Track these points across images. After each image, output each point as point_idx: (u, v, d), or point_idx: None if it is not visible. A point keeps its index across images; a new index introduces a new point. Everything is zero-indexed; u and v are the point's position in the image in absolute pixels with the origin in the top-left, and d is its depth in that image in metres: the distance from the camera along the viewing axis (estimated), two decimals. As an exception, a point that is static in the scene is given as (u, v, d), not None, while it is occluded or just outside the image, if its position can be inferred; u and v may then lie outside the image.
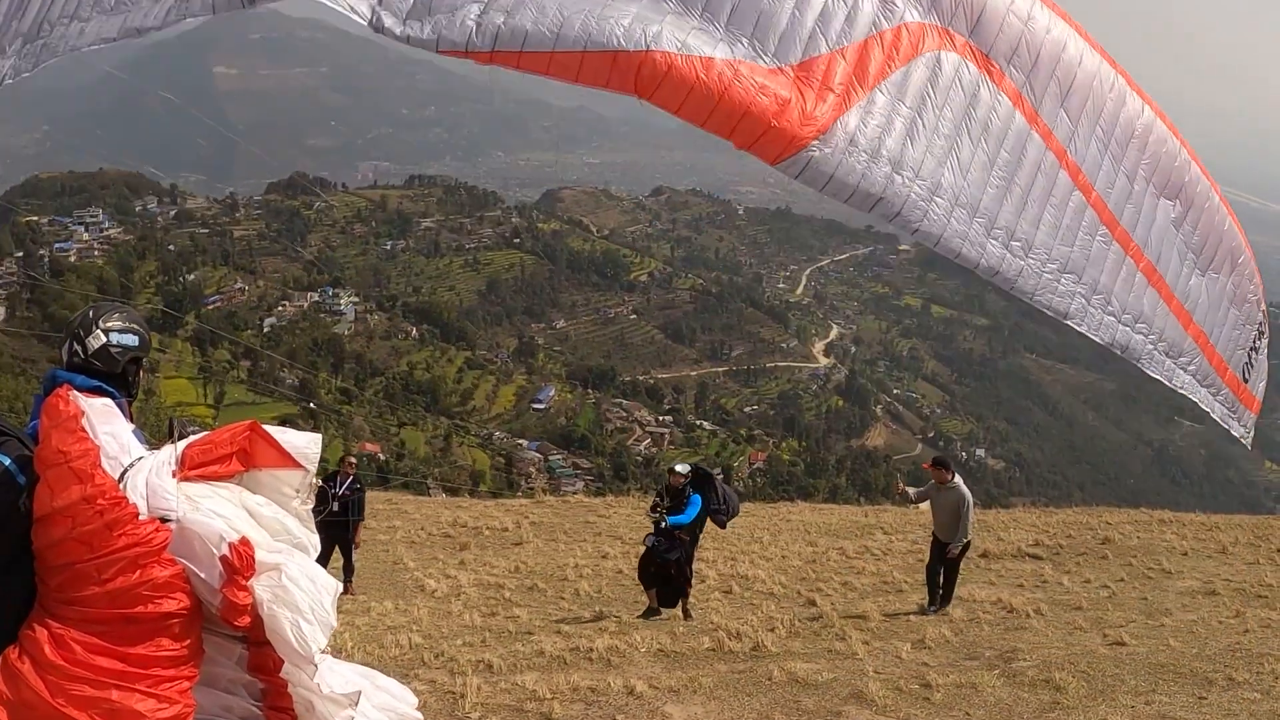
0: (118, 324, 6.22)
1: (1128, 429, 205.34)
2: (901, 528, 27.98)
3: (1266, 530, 28.64)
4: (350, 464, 22.52)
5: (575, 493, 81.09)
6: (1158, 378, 12.87)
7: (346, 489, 21.05)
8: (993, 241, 8.36)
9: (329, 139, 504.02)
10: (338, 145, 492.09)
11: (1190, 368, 12.19)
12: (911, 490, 19.34)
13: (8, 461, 5.59)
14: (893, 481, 23.61)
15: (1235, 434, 16.45)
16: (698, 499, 17.85)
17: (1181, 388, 12.91)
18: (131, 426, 6.24)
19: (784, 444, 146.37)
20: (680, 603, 18.26)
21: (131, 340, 6.28)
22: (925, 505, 19.92)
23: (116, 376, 6.23)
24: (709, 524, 18.42)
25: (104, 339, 6.14)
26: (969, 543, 18.75)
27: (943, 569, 18.65)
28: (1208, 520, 31.12)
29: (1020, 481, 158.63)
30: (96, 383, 6.04)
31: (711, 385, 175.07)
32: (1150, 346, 11.22)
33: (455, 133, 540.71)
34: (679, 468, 18.72)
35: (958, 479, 18.67)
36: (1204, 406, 15.29)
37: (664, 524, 17.59)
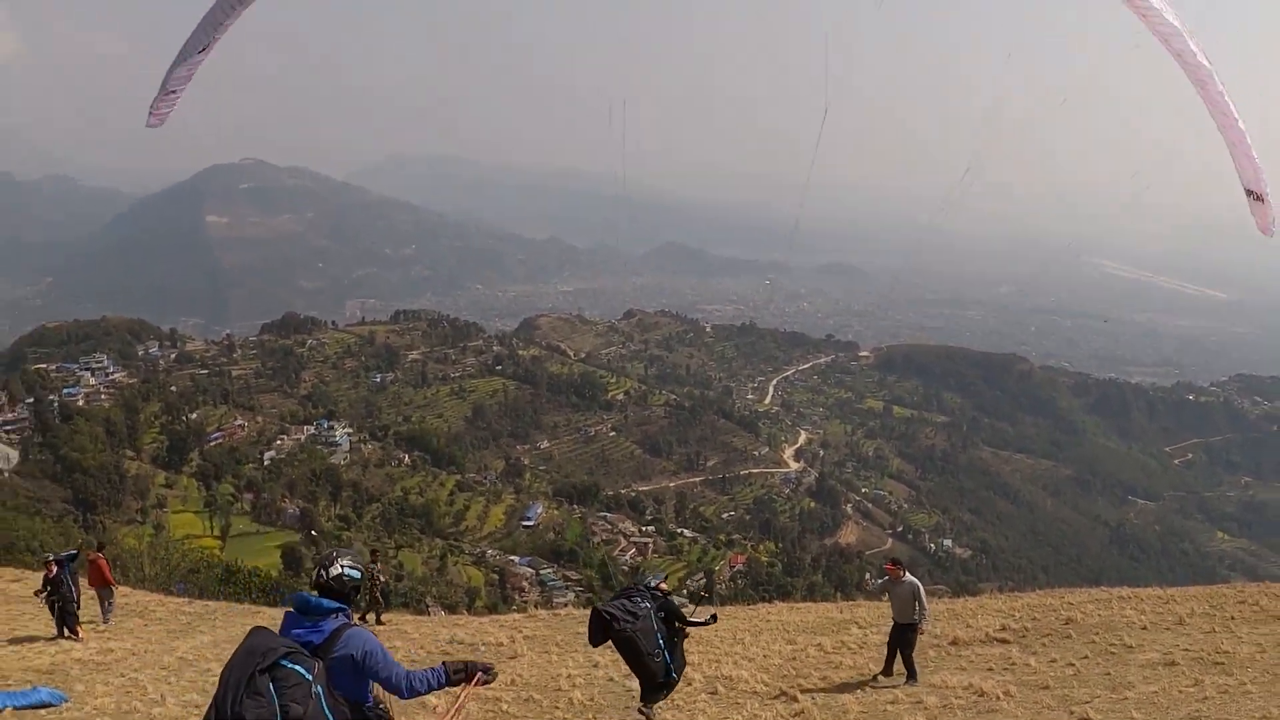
0: (348, 563, 8.48)
1: (1085, 511, 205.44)
2: (875, 621, 28.12)
3: (1220, 599, 28.81)
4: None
5: (566, 604, 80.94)
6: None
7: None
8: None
9: (317, 280, 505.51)
10: (326, 285, 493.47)
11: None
12: (887, 583, 20.63)
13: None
14: (864, 579, 24.16)
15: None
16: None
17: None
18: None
19: (761, 546, 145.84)
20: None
21: (355, 574, 8.52)
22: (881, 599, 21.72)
23: (345, 595, 8.41)
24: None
25: (339, 571, 8.40)
26: (926, 616, 20.14)
27: (900, 647, 19.94)
28: (1164, 594, 31.23)
29: (987, 568, 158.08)
30: (337, 604, 8.25)
31: (690, 495, 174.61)
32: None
33: (436, 269, 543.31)
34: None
35: (908, 574, 20.22)
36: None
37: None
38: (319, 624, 8.08)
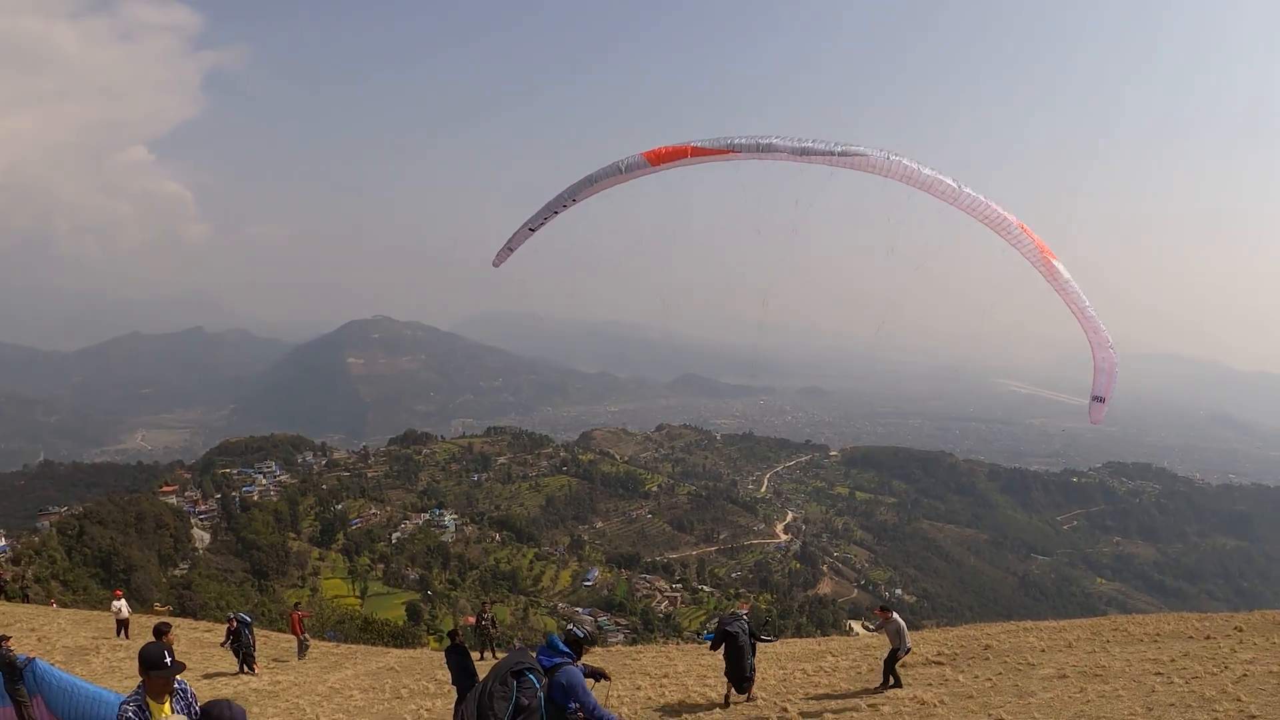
0: (574, 628, 10.16)
1: (998, 565, 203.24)
2: (845, 652, 27.93)
3: (1099, 628, 28.60)
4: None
5: (617, 643, 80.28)
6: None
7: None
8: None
9: (430, 405, 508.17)
10: (436, 410, 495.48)
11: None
12: (871, 626, 22.92)
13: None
14: (873, 614, 24.29)
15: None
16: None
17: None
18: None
19: (760, 597, 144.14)
20: None
21: (580, 634, 10.13)
22: (879, 634, 22.48)
23: (573, 645, 9.98)
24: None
25: (577, 634, 10.07)
26: (909, 649, 20.82)
27: (893, 665, 20.56)
28: (1058, 624, 30.97)
29: (928, 609, 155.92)
30: (566, 649, 9.86)
31: (707, 560, 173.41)
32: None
33: (517, 396, 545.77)
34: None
35: (895, 615, 20.60)
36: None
37: None
38: (553, 657, 9.82)
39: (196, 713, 7.35)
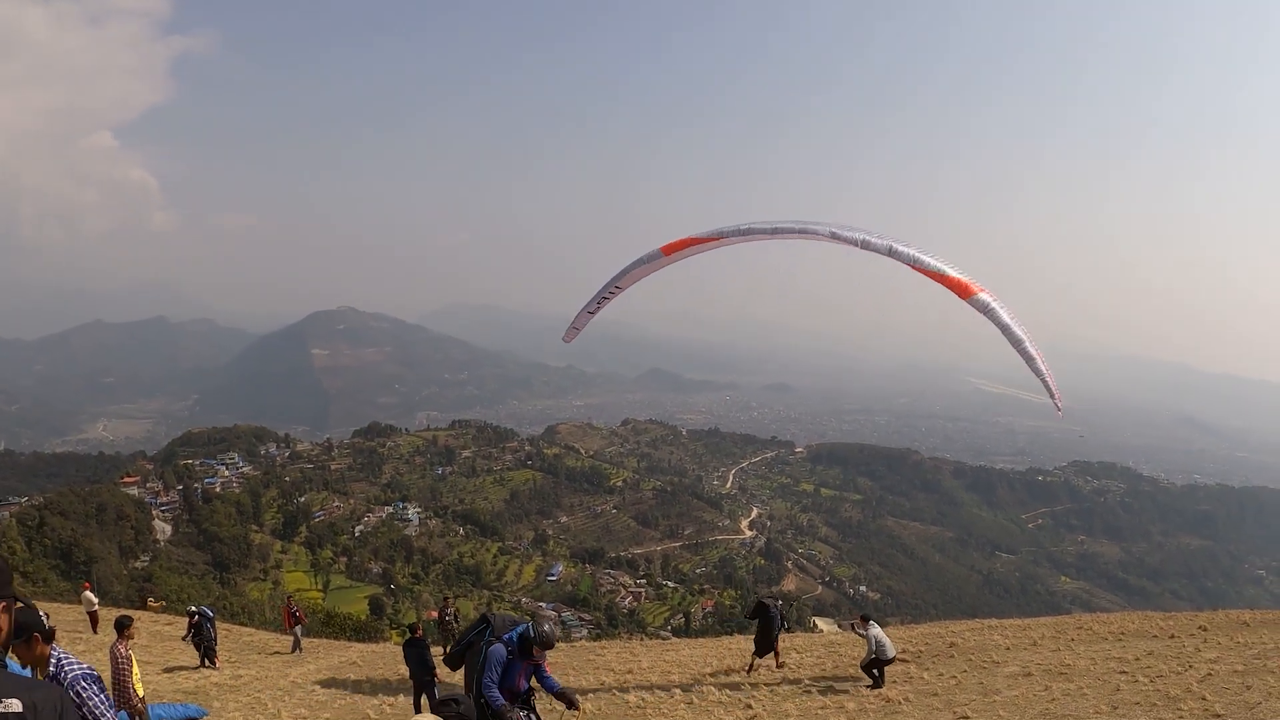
0: (532, 631, 10.01)
1: (963, 563, 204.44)
2: (809, 649, 28.02)
3: (1063, 627, 28.82)
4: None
5: (581, 638, 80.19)
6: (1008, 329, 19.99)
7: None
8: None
9: (394, 398, 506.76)
10: (400, 402, 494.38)
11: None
12: (857, 630, 22.34)
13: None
14: (801, 617, 24.55)
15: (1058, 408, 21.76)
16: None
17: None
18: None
19: (725, 593, 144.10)
20: None
21: (530, 634, 9.98)
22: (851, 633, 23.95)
23: (524, 646, 9.98)
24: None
25: (528, 635, 9.99)
26: (893, 656, 21.05)
27: (871, 671, 20.74)
28: (1023, 623, 31.19)
29: (892, 606, 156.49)
30: (515, 643, 9.99)
31: (671, 555, 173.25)
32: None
33: (482, 389, 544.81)
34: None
35: (873, 624, 21.26)
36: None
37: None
38: (507, 634, 10.09)
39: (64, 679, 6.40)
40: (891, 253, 20.02)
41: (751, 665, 23.93)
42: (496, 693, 9.74)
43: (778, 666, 24.09)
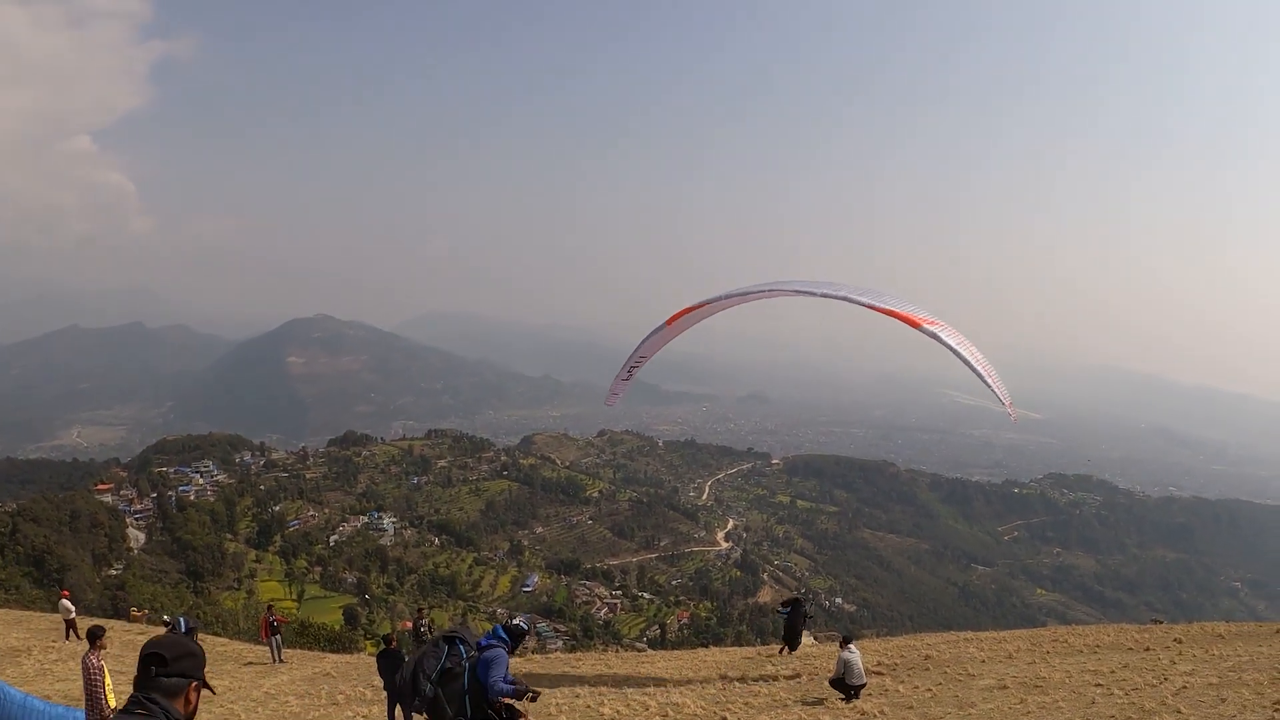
0: (522, 621, 10.71)
1: (939, 575, 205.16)
2: (785, 662, 28.06)
3: (1039, 639, 28.89)
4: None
5: (556, 650, 79.94)
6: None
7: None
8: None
9: (370, 406, 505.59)
10: (376, 410, 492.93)
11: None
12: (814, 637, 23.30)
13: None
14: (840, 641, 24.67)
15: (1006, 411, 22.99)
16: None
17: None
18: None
19: (701, 605, 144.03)
20: None
21: (525, 626, 10.67)
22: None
23: (512, 634, 10.46)
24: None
25: (522, 627, 10.58)
26: (863, 684, 20.66)
27: (842, 688, 20.56)
28: (998, 635, 31.24)
29: (868, 618, 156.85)
30: (505, 637, 10.35)
31: (647, 567, 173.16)
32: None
33: (458, 399, 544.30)
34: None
35: (852, 645, 21.10)
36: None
37: None
38: (491, 640, 10.25)
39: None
40: (848, 300, 22.06)
41: (782, 650, 29.06)
42: (509, 684, 10.08)
43: (791, 654, 28.70)
